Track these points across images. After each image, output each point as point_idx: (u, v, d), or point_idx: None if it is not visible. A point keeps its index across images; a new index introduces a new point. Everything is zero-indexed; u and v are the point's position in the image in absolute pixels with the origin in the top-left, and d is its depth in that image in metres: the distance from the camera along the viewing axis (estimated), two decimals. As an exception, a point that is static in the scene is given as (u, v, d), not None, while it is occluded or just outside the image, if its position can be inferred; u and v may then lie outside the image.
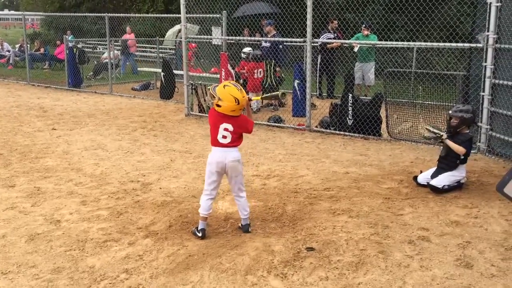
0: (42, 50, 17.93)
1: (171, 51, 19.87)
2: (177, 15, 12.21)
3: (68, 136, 7.82)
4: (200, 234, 4.11)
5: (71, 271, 3.56)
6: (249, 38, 11.32)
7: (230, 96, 3.94)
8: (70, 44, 13.45)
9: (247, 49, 10.07)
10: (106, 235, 4.19)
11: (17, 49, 18.35)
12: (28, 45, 15.89)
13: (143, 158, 6.64)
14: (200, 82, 9.69)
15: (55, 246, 3.96)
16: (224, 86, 4.02)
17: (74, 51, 13.21)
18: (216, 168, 4.08)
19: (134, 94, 12.29)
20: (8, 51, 18.61)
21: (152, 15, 19.88)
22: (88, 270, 3.59)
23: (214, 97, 4.02)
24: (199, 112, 9.58)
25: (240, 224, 4.32)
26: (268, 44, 10.63)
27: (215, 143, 4.09)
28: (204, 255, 3.80)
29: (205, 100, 9.51)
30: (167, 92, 11.41)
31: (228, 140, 4.05)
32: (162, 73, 11.55)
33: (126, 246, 3.98)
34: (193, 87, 9.57)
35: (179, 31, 11.08)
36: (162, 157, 6.70)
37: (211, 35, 10.68)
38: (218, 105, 4.00)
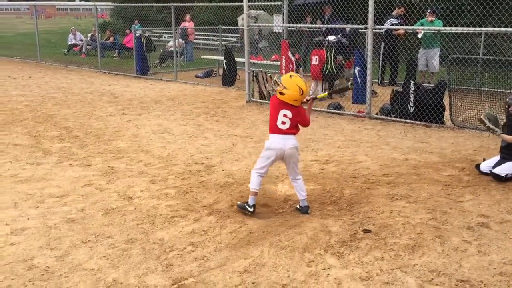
0: (112, 39, 18.84)
1: (233, 39, 20.22)
2: (240, 3, 12.48)
3: (137, 121, 8.30)
4: (251, 210, 4.31)
5: (143, 242, 3.90)
6: (310, 25, 11.34)
7: (296, 85, 4.14)
8: (138, 33, 14.07)
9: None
10: (173, 211, 4.50)
11: (89, 38, 19.38)
12: (99, 34, 16.78)
13: (207, 142, 6.95)
14: (261, 69, 9.88)
15: (128, 220, 4.32)
16: (290, 76, 4.24)
17: (142, 40, 13.80)
18: (275, 155, 4.28)
19: (197, 81, 12.71)
20: (81, 40, 19.70)
21: (215, 4, 20.24)
22: (158, 242, 3.91)
23: (278, 84, 4.21)
24: (260, 99, 9.79)
25: (298, 206, 4.50)
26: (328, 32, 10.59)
27: (274, 129, 4.26)
28: (264, 232, 4.02)
29: (265, 87, 9.70)
30: (229, 79, 11.72)
31: (287, 126, 4.23)
32: (224, 61, 11.86)
33: (192, 222, 4.28)
34: (254, 74, 9.78)
35: (256, 18, 11.17)
36: (224, 141, 6.98)
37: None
38: (281, 93, 4.19)
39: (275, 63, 11.07)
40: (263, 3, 10.95)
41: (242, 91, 10.63)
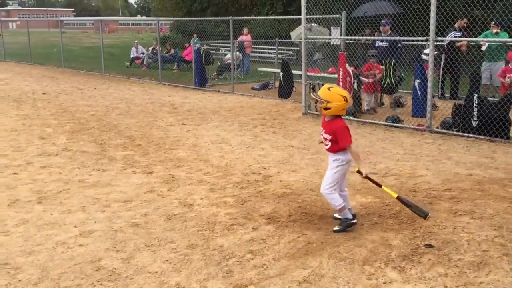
0: (172, 52, 19.47)
1: (289, 52, 20.37)
2: (296, 16, 12.57)
3: (196, 131, 8.51)
4: (355, 220, 4.29)
5: (203, 248, 3.99)
6: (368, 37, 11.24)
7: (338, 95, 4.08)
8: (197, 46, 14.47)
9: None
10: (232, 219, 4.58)
11: (150, 52, 20.13)
12: (160, 48, 17.41)
13: (264, 152, 7.03)
14: (318, 81, 9.89)
15: (189, 226, 4.44)
16: (328, 88, 4.14)
17: (201, 53, 14.18)
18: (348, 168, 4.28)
19: (254, 93, 12.88)
20: (143, 53, 20.49)
21: (272, 17, 20.50)
22: (218, 248, 3.99)
23: (317, 101, 4.15)
24: (316, 111, 9.77)
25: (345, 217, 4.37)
26: (384, 44, 10.43)
27: (344, 146, 4.19)
28: (322, 243, 4.01)
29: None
30: (286, 91, 11.80)
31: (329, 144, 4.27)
32: (281, 73, 11.96)
33: (251, 230, 4.33)
34: (311, 86, 9.80)
35: (310, 30, 11.16)
36: (281, 152, 7.03)
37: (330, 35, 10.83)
38: (326, 109, 4.10)
39: (332, 75, 11.05)
40: (321, 16, 10.97)
41: (299, 103, 10.67)
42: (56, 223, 4.53)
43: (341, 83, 9.23)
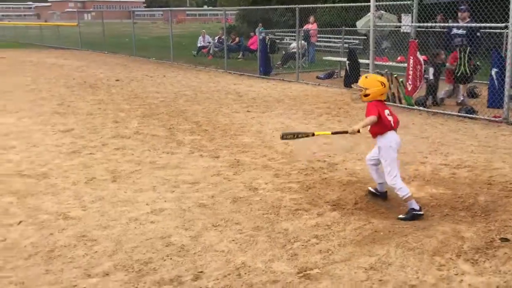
0: (237, 41, 19.66)
1: (355, 41, 19.92)
2: (365, 4, 12.25)
3: (261, 118, 8.57)
4: (421, 212, 4.23)
5: (269, 231, 4.03)
6: (441, 24, 10.76)
7: (376, 81, 4.30)
8: (262, 36, 14.50)
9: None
10: (297, 204, 4.59)
11: (216, 41, 20.44)
12: (226, 37, 17.64)
13: (329, 140, 6.95)
14: (386, 70, 9.62)
15: (254, 209, 4.50)
16: (366, 76, 4.39)
17: (266, 42, 14.20)
18: (397, 148, 4.35)
19: (318, 82, 12.76)
20: (209, 42, 20.85)
21: (340, 4, 20.12)
22: (283, 232, 4.02)
23: (359, 90, 4.33)
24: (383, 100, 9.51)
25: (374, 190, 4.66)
26: (461, 31, 9.92)
27: (391, 127, 4.30)
28: (390, 232, 3.93)
29: (390, 89, 9.41)
30: (352, 80, 11.57)
31: (394, 124, 4.35)
32: (347, 62, 11.75)
33: (315, 216, 4.32)
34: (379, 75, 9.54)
35: (380, 18, 10.81)
36: (346, 141, 6.92)
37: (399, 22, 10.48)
38: (366, 95, 4.28)
39: (401, 64, 10.71)
40: (391, 2, 10.64)
41: (365, 93, 10.43)
42: (129, 200, 4.75)
43: (411, 72, 8.93)
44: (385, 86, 4.28)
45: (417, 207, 4.23)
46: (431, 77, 9.02)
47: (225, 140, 7.05)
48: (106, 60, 19.97)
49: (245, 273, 3.36)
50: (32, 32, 33.59)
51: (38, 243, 3.87)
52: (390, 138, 4.29)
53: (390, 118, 4.29)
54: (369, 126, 4.33)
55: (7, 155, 6.29)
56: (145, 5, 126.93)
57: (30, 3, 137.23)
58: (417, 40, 9.23)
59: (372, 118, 4.21)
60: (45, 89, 11.86)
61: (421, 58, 9.04)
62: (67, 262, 3.56)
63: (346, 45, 16.95)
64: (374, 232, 3.95)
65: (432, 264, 3.40)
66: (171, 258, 3.59)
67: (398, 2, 10.46)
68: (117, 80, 13.42)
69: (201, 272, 3.40)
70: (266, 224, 4.16)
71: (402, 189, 4.24)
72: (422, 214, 4.21)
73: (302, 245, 3.76)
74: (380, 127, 4.28)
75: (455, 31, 10.08)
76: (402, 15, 10.45)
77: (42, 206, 4.62)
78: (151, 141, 7.00)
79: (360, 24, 13.80)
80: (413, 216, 4.19)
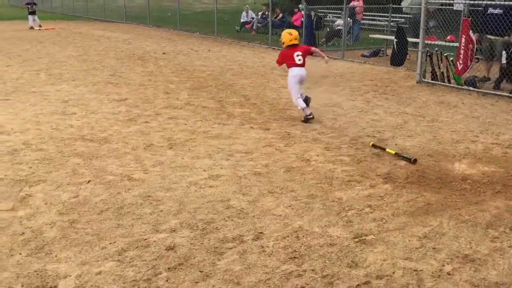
0: (281, 17, 19.58)
1: (401, 19, 19.52)
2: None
3: (307, 93, 8.63)
4: (311, 115, 6.62)
5: (323, 199, 4.20)
6: (496, 2, 10.43)
7: (286, 33, 6.79)
8: (307, 12, 14.44)
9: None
10: (349, 176, 4.73)
11: (259, 17, 20.42)
12: (269, 13, 17.60)
13: (377, 117, 7.02)
14: (436, 49, 9.48)
15: (308, 179, 4.67)
16: (288, 33, 6.78)
17: (312, 18, 14.14)
18: (298, 79, 6.67)
19: (364, 60, 12.67)
20: (252, 18, 20.85)
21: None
22: (337, 200, 4.18)
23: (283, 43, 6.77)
24: (431, 80, 9.44)
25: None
26: (498, 11, 9.33)
27: (294, 65, 6.65)
28: (442, 205, 4.03)
29: (439, 68, 9.30)
30: (399, 59, 11.47)
31: (301, 61, 6.67)
32: (395, 40, 11.61)
33: (368, 187, 4.46)
34: (428, 54, 9.44)
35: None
36: (395, 118, 6.97)
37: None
38: (283, 44, 6.78)
39: (451, 43, 10.51)
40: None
41: (412, 72, 10.34)
42: (187, 166, 5.00)
43: (462, 51, 8.78)
44: (291, 34, 6.70)
45: (308, 113, 6.65)
46: (503, 61, 8.66)
47: (273, 114, 7.21)
48: (151, 33, 20.32)
49: (303, 236, 3.55)
50: (78, 5, 34.34)
51: (107, 200, 4.17)
52: (293, 72, 6.68)
53: (297, 58, 6.61)
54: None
55: (69, 121, 6.65)
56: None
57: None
58: (470, 19, 9.04)
59: (276, 63, 7.08)
60: (96, 60, 12.28)
61: (474, 37, 8.86)
62: (136, 218, 3.84)
63: (393, 24, 16.67)
64: (426, 204, 4.06)
65: (485, 236, 3.50)
66: (232, 220, 3.82)
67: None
68: (164, 53, 13.71)
69: (261, 233, 3.61)
70: (320, 193, 4.33)
71: (298, 105, 6.73)
72: (313, 118, 6.61)
73: (356, 213, 3.91)
74: (288, 64, 6.74)
75: (490, 10, 9.56)
76: (455, -8, 10.22)
77: (107, 168, 4.92)
78: (202, 112, 7.24)
79: (406, 3, 13.52)
80: (306, 119, 6.64)
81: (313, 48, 7.10)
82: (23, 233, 3.58)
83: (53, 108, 7.30)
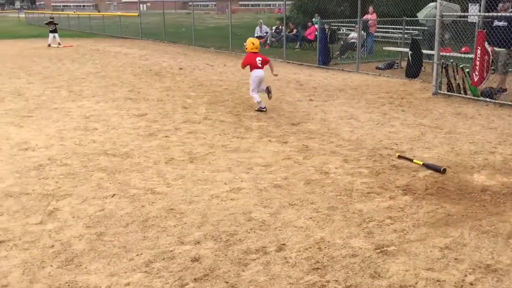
0: (294, 31, 19.79)
1: (415, 31, 19.57)
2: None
3: (324, 106, 8.75)
4: (264, 108, 8.29)
5: (343, 211, 4.26)
6: (504, 14, 10.43)
7: (249, 41, 8.40)
8: (321, 26, 14.57)
9: None
10: (368, 188, 4.79)
11: (273, 31, 20.65)
12: (283, 27, 17.80)
13: (394, 129, 7.06)
14: (451, 61, 9.52)
15: (327, 191, 4.73)
16: (248, 40, 8.45)
17: (326, 32, 14.28)
18: (258, 79, 8.27)
19: (378, 73, 12.74)
20: (266, 32, 21.10)
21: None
22: (357, 212, 4.23)
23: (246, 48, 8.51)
24: (448, 91, 9.46)
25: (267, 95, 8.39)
26: (503, 23, 9.29)
27: (256, 67, 8.25)
28: (463, 216, 4.06)
29: (455, 79, 9.33)
30: (414, 71, 11.51)
31: (261, 65, 8.27)
32: (409, 52, 11.67)
33: (388, 199, 4.51)
34: (444, 65, 9.48)
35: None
36: (412, 130, 7.01)
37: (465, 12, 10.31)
38: (246, 49, 8.52)
39: (466, 55, 10.53)
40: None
41: (428, 83, 10.39)
42: (208, 179, 5.10)
43: (477, 62, 8.80)
44: (254, 44, 8.37)
45: (262, 106, 8.28)
46: None
47: (291, 127, 7.30)
48: (167, 49, 20.65)
49: (325, 247, 3.61)
50: (95, 22, 35.05)
51: (132, 213, 4.27)
52: (255, 73, 8.26)
53: (258, 62, 8.23)
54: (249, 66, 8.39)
55: (91, 136, 6.82)
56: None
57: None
58: (485, 30, 9.08)
59: (241, 66, 8.74)
60: (115, 77, 12.53)
61: (489, 48, 8.88)
62: (160, 230, 3.94)
63: (406, 36, 16.73)
64: (447, 215, 4.09)
65: (507, 247, 3.52)
66: (254, 231, 3.89)
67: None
68: (180, 69, 13.94)
69: (283, 244, 3.68)
70: (340, 205, 4.39)
71: (254, 98, 8.35)
72: (265, 110, 8.24)
73: (377, 225, 3.96)
74: (250, 67, 8.32)
75: (496, 23, 9.52)
76: (470, 4, 10.28)
77: (130, 182, 5.04)
78: (220, 126, 7.35)
79: (421, 14, 13.59)
80: (260, 110, 8.25)
81: (270, 62, 8.63)
82: (52, 245, 3.69)
83: (75, 124, 7.49)
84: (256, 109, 8.33)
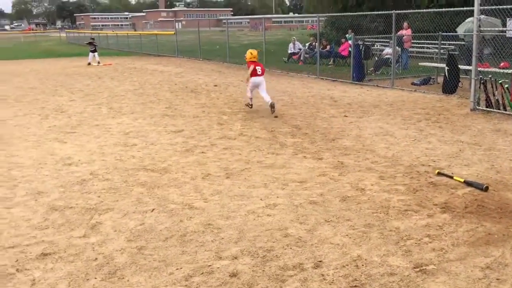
0: (328, 47, 19.84)
1: (451, 46, 19.29)
2: (462, 8, 11.95)
3: (359, 123, 8.73)
4: (251, 106, 9.95)
5: (380, 228, 4.24)
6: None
7: (248, 52, 9.64)
8: (357, 42, 14.59)
9: None
10: (405, 205, 4.75)
11: (306, 47, 20.77)
12: (317, 43, 17.89)
13: (431, 146, 6.98)
14: (490, 76, 9.35)
15: (364, 208, 4.72)
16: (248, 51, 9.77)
17: (360, 48, 14.28)
18: (256, 84, 9.54)
19: (414, 88, 12.61)
20: (300, 49, 21.23)
21: (435, 10, 19.59)
22: (394, 230, 4.20)
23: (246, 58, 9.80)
24: (486, 107, 9.28)
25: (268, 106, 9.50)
26: None
27: (256, 74, 9.48)
28: (504, 235, 3.98)
29: (494, 95, 9.15)
30: (451, 86, 11.35)
31: (260, 72, 9.51)
32: (446, 68, 11.52)
33: (425, 217, 4.46)
34: (482, 81, 9.32)
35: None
36: (449, 146, 6.91)
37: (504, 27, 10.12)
38: (245, 58, 9.76)
39: (505, 70, 10.32)
40: (496, 7, 10.29)
41: (465, 99, 10.22)
42: (244, 195, 5.17)
43: (517, 78, 8.61)
44: (252, 54, 9.62)
45: (250, 103, 9.92)
46: None
47: (325, 143, 7.31)
48: (202, 66, 21.06)
49: (362, 265, 3.60)
50: (132, 41, 36.10)
51: (171, 228, 4.38)
52: (253, 79, 9.47)
53: (258, 70, 9.48)
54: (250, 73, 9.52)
55: (131, 152, 7.02)
56: (232, 13, 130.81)
57: (127, 13, 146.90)
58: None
59: (250, 69, 9.48)
60: (152, 94, 12.87)
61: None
62: (199, 245, 4.02)
63: (442, 51, 16.51)
64: (487, 234, 4.01)
65: (552, 268, 3.43)
66: (291, 248, 3.92)
67: (505, 6, 10.10)
68: (215, 86, 14.18)
69: (320, 261, 3.69)
70: (377, 222, 4.37)
71: (248, 95, 9.82)
72: (251, 108, 9.92)
73: (415, 243, 3.93)
74: (251, 74, 9.42)
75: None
76: (508, 19, 10.10)
77: (169, 197, 5.17)
78: (256, 143, 7.44)
79: (461, 29, 13.42)
80: (247, 105, 9.95)
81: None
82: (96, 258, 3.83)
83: (116, 140, 7.73)
84: (246, 104, 10.12)
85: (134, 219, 4.58)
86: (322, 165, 6.20)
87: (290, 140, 7.57)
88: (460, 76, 11.63)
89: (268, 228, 4.32)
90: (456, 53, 17.63)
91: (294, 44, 21.79)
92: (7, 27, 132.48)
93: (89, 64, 22.43)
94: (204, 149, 7.13)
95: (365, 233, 4.15)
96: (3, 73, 19.73)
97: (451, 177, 5.46)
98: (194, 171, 6.08)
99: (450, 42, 19.59)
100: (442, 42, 18.53)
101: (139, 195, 5.26)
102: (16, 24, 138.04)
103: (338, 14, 27.79)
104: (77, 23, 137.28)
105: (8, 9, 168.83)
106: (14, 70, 20.78)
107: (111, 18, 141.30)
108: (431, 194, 5.02)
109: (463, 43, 14.32)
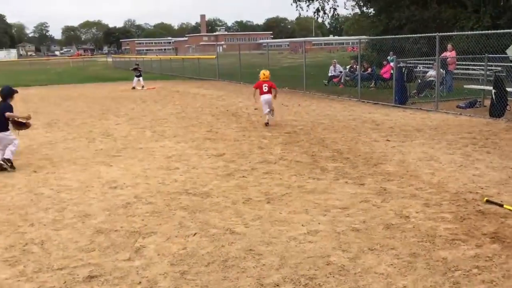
0: (369, 70, 19.71)
1: (498, 68, 18.77)
2: (509, 30, 11.64)
3: (401, 147, 8.57)
4: (267, 123, 11.15)
5: (426, 258, 4.11)
6: None
7: (261, 73, 11.15)
8: (399, 65, 14.44)
9: None
10: (453, 234, 4.59)
11: (347, 70, 20.70)
12: (358, 66, 17.80)
13: (478, 172, 6.75)
14: (540, 99, 9.03)
15: (408, 236, 4.60)
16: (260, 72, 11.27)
17: (403, 70, 14.10)
18: (265, 102, 10.89)
19: (459, 112, 12.30)
20: (340, 71, 21.18)
21: (480, 32, 19.20)
22: (441, 260, 4.07)
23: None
24: None
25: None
26: None
27: (263, 93, 10.84)
28: (560, 269, 3.78)
29: None
30: (498, 109, 11.01)
31: (267, 90, 10.87)
32: (493, 90, 11.21)
33: (474, 247, 4.30)
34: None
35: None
36: (498, 173, 6.67)
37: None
38: (259, 79, 11.21)
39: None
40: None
41: (514, 123, 9.88)
42: (285, 221, 5.15)
43: None
44: (264, 74, 11.09)
45: (266, 119, 11.19)
46: None
47: (368, 168, 7.21)
48: (242, 90, 21.31)
49: (408, 296, 3.50)
50: (175, 65, 37.06)
51: (213, 253, 4.40)
52: (262, 97, 10.84)
53: (264, 88, 10.83)
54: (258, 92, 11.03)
55: (173, 175, 7.15)
56: (272, 36, 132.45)
57: (170, 38, 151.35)
58: None
59: (256, 93, 11.19)
60: (194, 117, 13.11)
61: None
62: (240, 271, 4.02)
63: (488, 73, 16.08)
64: (542, 267, 3.83)
65: None
66: (333, 276, 3.86)
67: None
68: (255, 109, 14.28)
69: (364, 291, 3.61)
70: (422, 252, 4.25)
71: (264, 113, 11.22)
72: (267, 124, 11.01)
73: (464, 274, 3.79)
74: (260, 92, 10.78)
75: None
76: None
77: (210, 221, 5.21)
78: (296, 167, 7.42)
79: (511, 51, 13.05)
80: (266, 124, 11.21)
81: (275, 88, 11.27)
82: (140, 282, 3.89)
83: (159, 164, 7.90)
84: (264, 123, 11.28)
85: (176, 243, 4.63)
86: (364, 191, 6.11)
87: (331, 164, 7.51)
88: (508, 98, 11.26)
89: (310, 255, 4.28)
90: (503, 74, 17.16)
91: (334, 66, 21.75)
92: (57, 53, 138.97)
93: (133, 88, 23.13)
94: (245, 173, 7.17)
95: (410, 263, 4.03)
96: (55, 97, 20.64)
97: (501, 205, 5.26)
98: (235, 195, 6.12)
99: (497, 64, 19.07)
100: (488, 63, 18.11)
101: (181, 219, 5.33)
102: (65, 49, 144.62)
103: (381, 37, 27.68)
104: (122, 48, 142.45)
105: (58, 35, 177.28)
106: (65, 95, 21.68)
107: (155, 43, 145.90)
108: (480, 223, 4.84)
109: (510, 64, 13.90)
